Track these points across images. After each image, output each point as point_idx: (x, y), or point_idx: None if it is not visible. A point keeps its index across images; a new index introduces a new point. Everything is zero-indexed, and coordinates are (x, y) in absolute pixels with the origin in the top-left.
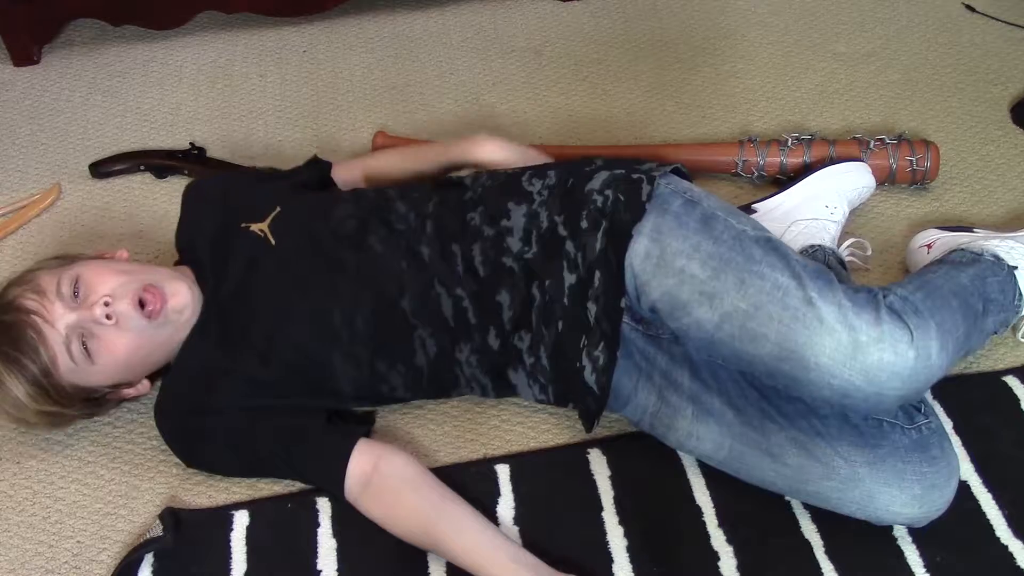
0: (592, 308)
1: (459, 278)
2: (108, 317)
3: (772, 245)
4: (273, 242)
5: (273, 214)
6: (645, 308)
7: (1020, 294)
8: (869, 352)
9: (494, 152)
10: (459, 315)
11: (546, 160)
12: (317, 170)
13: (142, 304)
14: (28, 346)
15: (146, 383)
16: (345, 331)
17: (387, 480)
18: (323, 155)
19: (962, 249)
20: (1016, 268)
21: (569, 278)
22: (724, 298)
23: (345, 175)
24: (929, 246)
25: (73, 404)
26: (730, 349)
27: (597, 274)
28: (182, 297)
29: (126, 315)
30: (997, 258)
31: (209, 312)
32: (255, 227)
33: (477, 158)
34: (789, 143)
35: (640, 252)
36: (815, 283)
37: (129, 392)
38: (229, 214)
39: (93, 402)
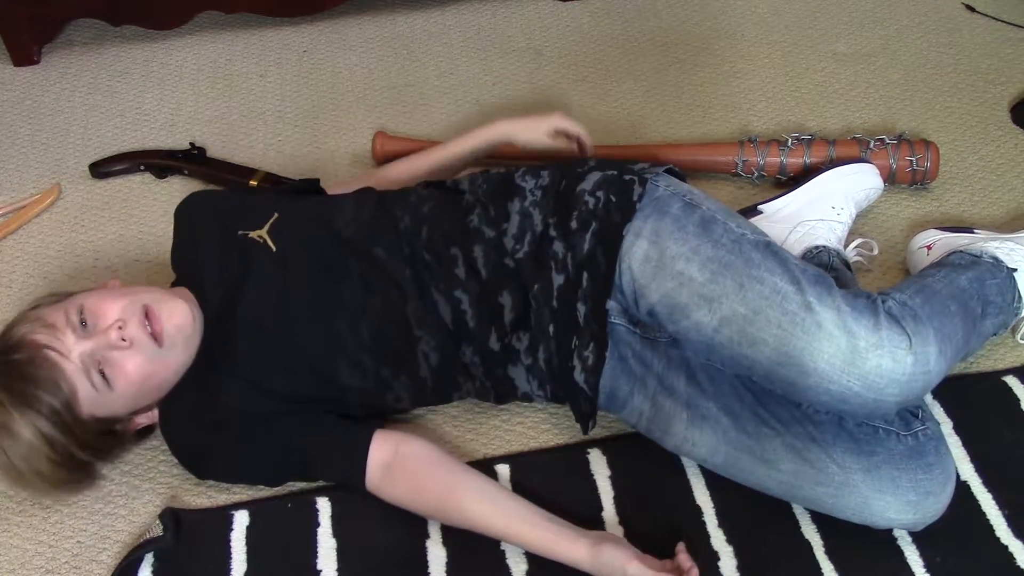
0: (582, 309)
1: (459, 281)
2: (123, 340)
3: (771, 249)
4: (274, 248)
5: (272, 219)
6: (643, 311)
7: (1019, 296)
8: (867, 358)
9: (515, 129)
10: (458, 318)
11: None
12: (308, 184)
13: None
14: (47, 381)
15: (155, 411)
16: (350, 338)
17: (408, 460)
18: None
19: (961, 251)
20: (1015, 270)
21: (557, 279)
22: (723, 302)
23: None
24: (929, 247)
25: (89, 443)
26: (729, 353)
27: (585, 275)
28: (180, 314)
29: (139, 338)
30: (996, 260)
31: (214, 325)
32: (254, 233)
33: (499, 137)
34: (789, 143)
35: (639, 255)
36: (814, 288)
37: (142, 420)
38: (225, 223)
39: (110, 436)
